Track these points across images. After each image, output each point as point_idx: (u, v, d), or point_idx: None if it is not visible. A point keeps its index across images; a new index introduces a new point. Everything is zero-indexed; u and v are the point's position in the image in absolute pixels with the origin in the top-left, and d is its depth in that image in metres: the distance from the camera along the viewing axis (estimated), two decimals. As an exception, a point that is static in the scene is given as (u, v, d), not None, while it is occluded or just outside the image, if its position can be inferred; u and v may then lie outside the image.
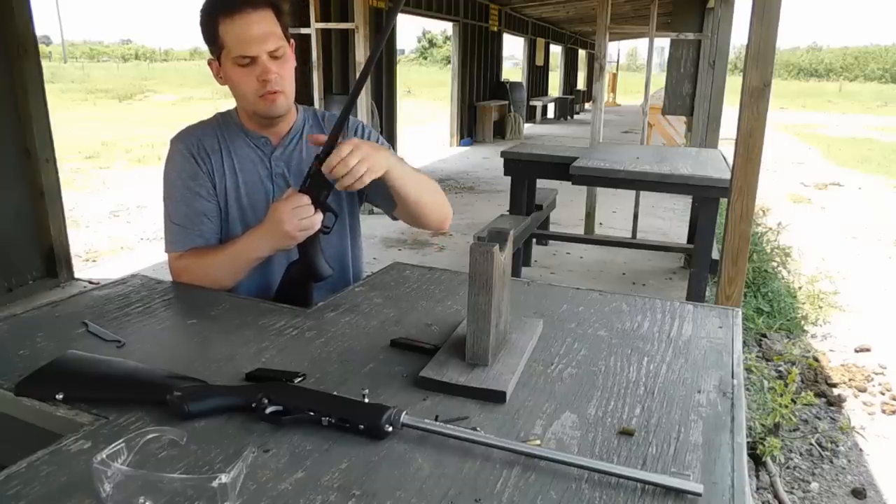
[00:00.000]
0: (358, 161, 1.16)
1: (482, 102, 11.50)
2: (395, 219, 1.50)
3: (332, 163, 1.16)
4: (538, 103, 15.63)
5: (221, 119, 1.43)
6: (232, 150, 1.39)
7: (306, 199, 1.23)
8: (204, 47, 1.34)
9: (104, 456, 0.66)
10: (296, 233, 1.23)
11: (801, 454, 2.46)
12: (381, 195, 1.39)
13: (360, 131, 1.49)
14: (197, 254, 1.36)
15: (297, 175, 1.40)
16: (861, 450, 2.50)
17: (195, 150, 1.37)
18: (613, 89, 20.59)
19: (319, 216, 1.25)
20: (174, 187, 1.38)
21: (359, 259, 1.57)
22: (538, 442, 0.79)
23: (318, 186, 1.24)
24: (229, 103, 1.44)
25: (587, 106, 19.44)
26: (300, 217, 1.22)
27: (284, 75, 1.31)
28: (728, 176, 2.30)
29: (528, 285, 1.37)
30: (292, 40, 1.34)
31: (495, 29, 12.07)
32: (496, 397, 0.89)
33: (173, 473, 0.71)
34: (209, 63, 1.35)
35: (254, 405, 0.82)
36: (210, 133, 1.39)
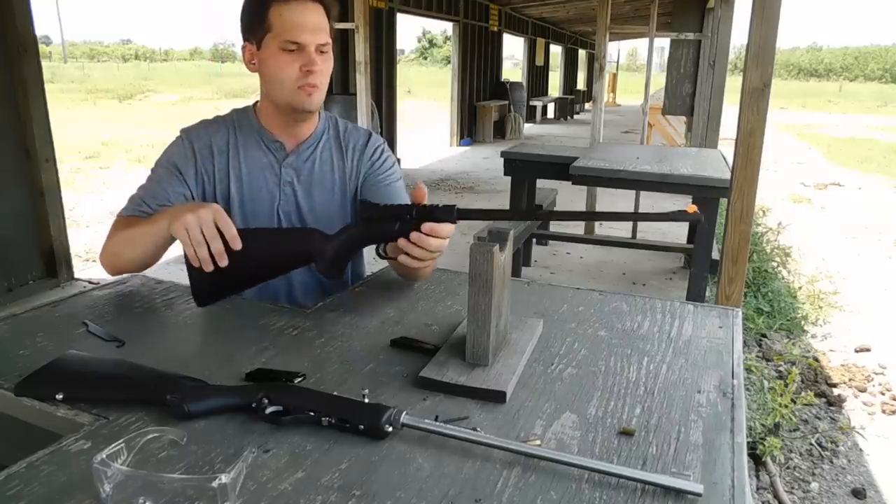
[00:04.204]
0: (434, 254, 1.06)
1: (482, 102, 11.50)
2: None
3: (420, 240, 1.03)
4: (538, 103, 15.63)
5: (237, 117, 1.39)
6: (241, 151, 1.36)
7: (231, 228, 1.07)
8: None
9: (104, 456, 0.66)
10: (183, 230, 1.05)
11: (801, 454, 2.46)
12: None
13: (378, 151, 1.43)
14: (125, 223, 1.26)
15: (305, 185, 1.38)
16: (861, 450, 2.50)
17: (199, 147, 1.34)
18: (613, 89, 20.60)
19: (220, 248, 1.06)
20: (159, 166, 1.34)
21: (359, 260, 1.57)
22: (538, 442, 0.79)
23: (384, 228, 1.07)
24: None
25: (587, 106, 19.44)
26: (207, 226, 1.05)
27: (326, 72, 1.29)
28: (728, 176, 2.30)
29: (528, 285, 1.36)
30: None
31: (495, 29, 12.08)
32: (496, 397, 0.89)
33: (173, 473, 0.71)
34: (243, 48, 1.31)
35: (254, 405, 0.82)
36: (222, 131, 1.36)
